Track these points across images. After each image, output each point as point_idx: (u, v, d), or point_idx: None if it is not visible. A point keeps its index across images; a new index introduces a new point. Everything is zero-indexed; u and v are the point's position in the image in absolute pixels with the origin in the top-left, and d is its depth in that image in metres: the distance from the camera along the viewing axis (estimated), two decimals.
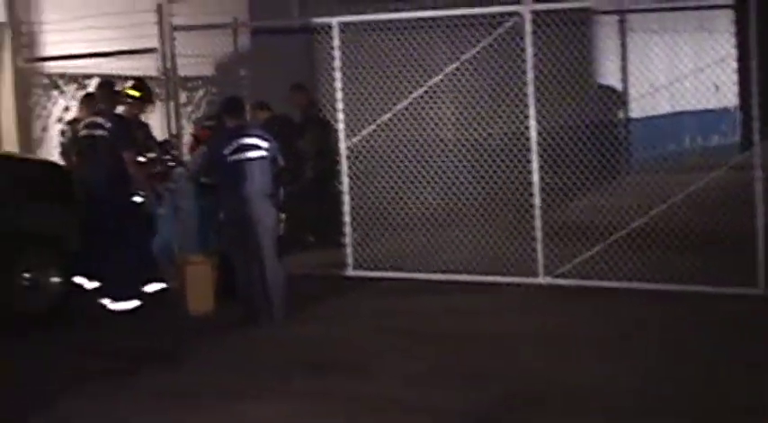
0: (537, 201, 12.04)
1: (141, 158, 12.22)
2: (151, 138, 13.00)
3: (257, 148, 10.93)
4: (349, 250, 13.02)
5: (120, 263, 11.72)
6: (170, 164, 12.83)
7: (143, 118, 12.87)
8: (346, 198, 13.05)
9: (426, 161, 13.01)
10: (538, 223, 12.03)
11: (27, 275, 11.17)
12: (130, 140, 12.01)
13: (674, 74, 17.64)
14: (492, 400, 8.32)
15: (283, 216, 11.10)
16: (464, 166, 13.16)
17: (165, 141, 13.58)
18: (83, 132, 12.28)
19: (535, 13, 11.98)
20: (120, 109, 12.36)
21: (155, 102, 13.23)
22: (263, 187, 10.89)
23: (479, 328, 10.44)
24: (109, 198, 11.79)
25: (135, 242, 11.88)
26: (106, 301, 11.78)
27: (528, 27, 11.92)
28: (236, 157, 10.88)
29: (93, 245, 11.73)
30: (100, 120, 12.15)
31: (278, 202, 11.01)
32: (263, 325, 10.80)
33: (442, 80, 12.91)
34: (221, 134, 11.42)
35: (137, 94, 12.44)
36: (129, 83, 12.57)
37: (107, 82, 12.68)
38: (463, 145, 13.18)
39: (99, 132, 12.06)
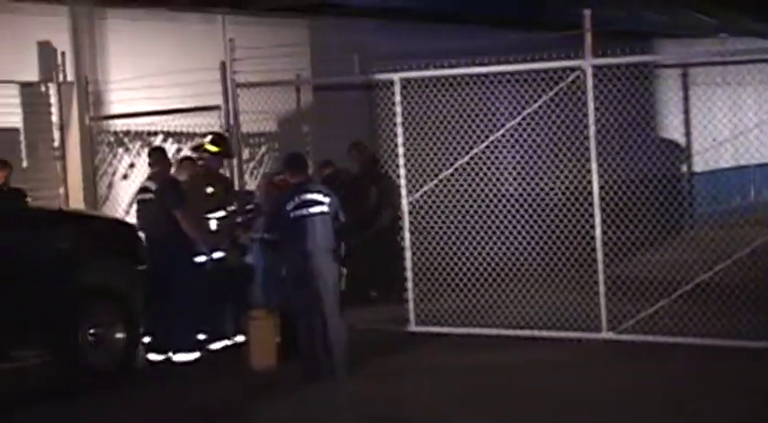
0: (600, 255, 11.98)
1: (218, 214, 12.37)
2: (231, 190, 13.10)
3: (319, 203, 11.00)
4: (411, 306, 13.00)
5: (179, 316, 11.91)
6: (251, 215, 12.89)
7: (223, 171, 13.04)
8: (408, 253, 13.05)
9: (488, 216, 12.98)
10: (601, 278, 11.97)
11: (93, 331, 11.24)
12: (179, 199, 12.11)
13: (737, 127, 17.53)
14: None
15: (344, 271, 11.15)
16: (526, 221, 13.12)
17: (247, 192, 13.66)
18: (138, 196, 12.75)
19: (597, 67, 11.97)
20: (199, 164, 12.59)
21: (234, 155, 13.30)
22: (325, 243, 10.94)
23: (544, 384, 10.38)
24: (165, 257, 11.98)
25: (194, 297, 11.99)
26: (157, 356, 11.96)
27: (589, 81, 11.92)
28: (298, 212, 10.95)
29: (152, 302, 11.96)
30: (149, 183, 12.58)
31: (339, 258, 11.05)
32: (324, 381, 10.80)
33: (503, 135, 12.92)
34: (284, 191, 11.51)
35: (215, 149, 12.54)
36: (208, 137, 12.68)
37: (158, 147, 13.18)
38: (525, 200, 13.14)
39: (147, 196, 12.43)
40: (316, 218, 10.95)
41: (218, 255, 12.26)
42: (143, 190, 12.68)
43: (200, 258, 12.13)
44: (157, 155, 12.80)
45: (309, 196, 11.01)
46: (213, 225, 12.37)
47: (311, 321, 10.96)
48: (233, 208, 12.66)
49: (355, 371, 11.07)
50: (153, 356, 12.10)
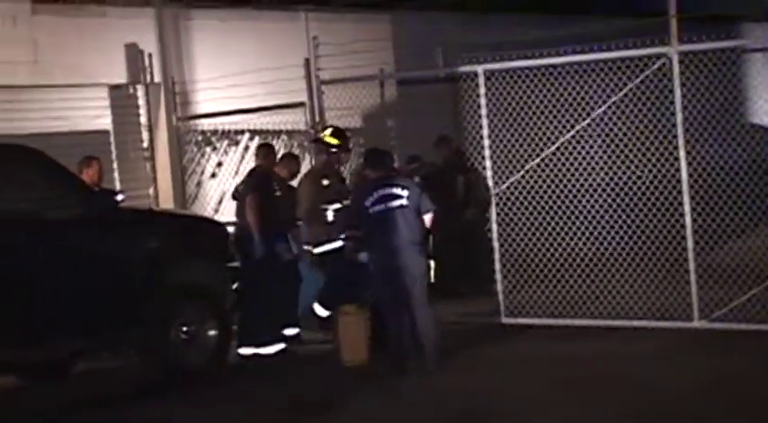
0: (690, 243, 11.84)
1: (334, 206, 12.42)
2: (345, 184, 13.11)
3: (397, 197, 10.96)
4: (501, 297, 12.94)
5: (266, 309, 12.03)
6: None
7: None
8: (496, 245, 12.98)
9: (575, 206, 12.87)
10: (692, 266, 11.82)
11: (185, 329, 11.32)
12: (253, 187, 12.17)
13: None
14: None
15: (433, 264, 11.10)
16: (614, 211, 12.98)
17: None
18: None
19: (683, 53, 11.82)
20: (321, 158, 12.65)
21: (351, 149, 13.27)
22: (408, 236, 10.90)
23: (637, 374, 10.26)
24: (253, 250, 12.07)
25: (278, 290, 12.15)
26: (248, 350, 12.08)
27: (676, 68, 11.77)
28: (377, 208, 10.93)
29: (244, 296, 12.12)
30: (245, 178, 12.63)
31: (426, 250, 11.00)
32: (416, 375, 10.77)
33: (589, 124, 12.79)
34: (363, 186, 11.49)
35: (335, 141, 12.48)
36: (328, 131, 12.61)
37: (267, 143, 13.15)
38: (613, 189, 13.00)
39: (240, 188, 12.51)
40: (396, 212, 10.91)
41: (334, 245, 12.26)
42: (238, 185, 12.73)
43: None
44: (265, 150, 12.78)
45: (388, 191, 10.97)
46: (330, 216, 12.39)
47: (398, 315, 10.95)
48: (348, 201, 12.59)
49: (448, 364, 11.03)
50: (244, 351, 12.19)
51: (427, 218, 11.03)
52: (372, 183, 11.16)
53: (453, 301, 13.63)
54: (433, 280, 11.08)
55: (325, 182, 12.52)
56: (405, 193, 10.98)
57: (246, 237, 12.13)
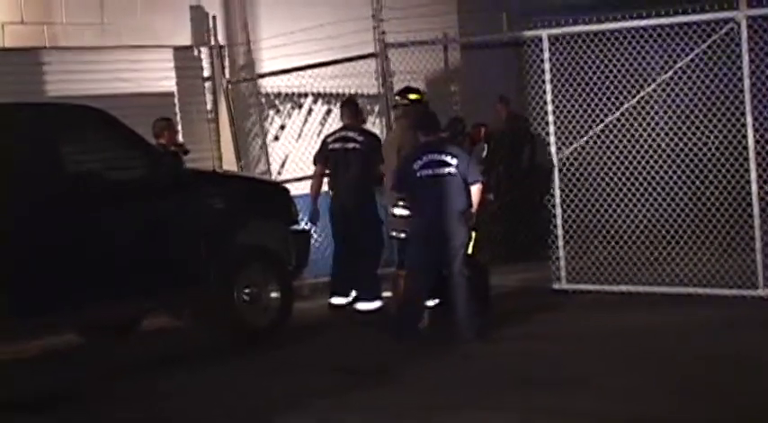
0: (756, 211, 11.64)
1: None
2: None
3: (446, 164, 10.79)
4: (562, 264, 12.81)
5: (368, 268, 12.14)
6: None
7: None
8: (558, 211, 12.85)
9: (639, 172, 12.70)
10: (757, 234, 11.62)
11: (247, 291, 11.32)
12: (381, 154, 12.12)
13: None
14: (718, 416, 8.02)
15: (473, 235, 10.95)
16: (679, 177, 12.81)
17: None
18: (334, 146, 12.44)
19: (751, 18, 11.58)
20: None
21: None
22: (452, 204, 10.75)
23: (699, 344, 10.11)
24: (360, 208, 12.15)
25: (379, 249, 12.29)
26: (339, 300, 12.27)
27: (744, 33, 11.54)
28: (424, 172, 10.78)
29: (342, 255, 12.28)
30: (351, 133, 12.38)
31: (468, 220, 10.84)
32: (471, 342, 10.64)
33: (654, 90, 12.61)
34: (412, 150, 11.30)
35: (416, 96, 12.11)
36: (411, 95, 12.19)
37: (351, 100, 12.94)
38: (678, 155, 12.81)
39: (351, 145, 12.30)
40: (443, 179, 10.75)
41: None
42: (344, 138, 12.39)
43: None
44: (351, 108, 12.60)
45: (437, 157, 10.80)
46: None
47: (424, 282, 10.85)
48: None
49: (507, 331, 10.95)
50: (336, 300, 12.27)
51: (474, 189, 10.86)
52: (422, 147, 10.97)
53: (515, 267, 13.52)
54: (470, 251, 10.92)
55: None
56: (454, 161, 10.80)
57: (353, 187, 12.16)
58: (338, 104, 13.25)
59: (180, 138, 13.48)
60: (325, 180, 12.52)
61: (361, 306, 12.23)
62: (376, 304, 12.16)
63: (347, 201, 12.20)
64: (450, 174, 10.76)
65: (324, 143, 12.61)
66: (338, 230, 12.41)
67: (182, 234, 10.88)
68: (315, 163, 12.65)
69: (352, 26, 14.11)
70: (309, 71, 14.56)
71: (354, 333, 11.66)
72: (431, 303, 11.31)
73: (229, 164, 14.64)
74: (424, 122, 11.19)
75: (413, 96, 12.10)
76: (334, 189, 12.42)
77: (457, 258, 10.78)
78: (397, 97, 12.35)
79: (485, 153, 14.46)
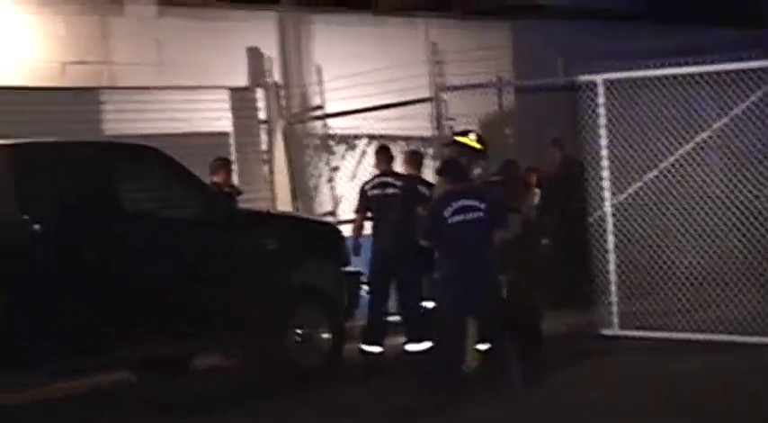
0: None
1: None
2: None
3: (475, 209, 10.73)
4: (614, 309, 12.72)
5: (414, 310, 12.32)
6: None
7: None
8: (611, 256, 12.78)
9: (693, 218, 12.62)
10: None
11: (299, 331, 11.34)
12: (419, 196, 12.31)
13: None
14: None
15: (504, 279, 10.98)
16: (733, 224, 12.71)
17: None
18: (373, 192, 12.70)
19: None
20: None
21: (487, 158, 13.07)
22: (483, 249, 10.70)
23: (753, 392, 9.99)
24: (402, 251, 12.25)
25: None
26: (372, 348, 12.37)
27: None
28: (455, 218, 10.68)
29: (377, 303, 12.48)
30: (389, 179, 12.66)
31: (498, 265, 10.84)
32: (517, 386, 10.55)
33: (710, 136, 12.55)
34: (442, 196, 11.19)
35: (478, 146, 11.86)
36: (472, 135, 12.15)
37: (384, 146, 13.16)
38: (732, 202, 12.73)
39: (390, 191, 12.56)
40: (472, 224, 10.68)
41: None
42: (385, 185, 12.66)
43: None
44: (385, 154, 12.88)
45: (466, 202, 10.75)
46: None
47: (460, 328, 10.70)
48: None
49: (558, 376, 10.89)
50: (367, 348, 12.37)
51: (499, 233, 10.88)
52: (451, 193, 10.93)
53: (566, 311, 13.47)
54: (504, 295, 10.94)
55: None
56: (482, 205, 10.78)
57: (394, 231, 12.43)
58: (391, 146, 13.31)
59: (235, 178, 13.56)
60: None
61: (411, 347, 12.33)
62: (425, 345, 12.17)
63: (389, 244, 12.40)
64: (479, 219, 10.73)
65: (362, 191, 12.86)
66: (377, 276, 12.55)
67: (235, 273, 10.92)
68: (356, 212, 12.91)
69: (407, 69, 14.16)
70: (364, 113, 14.62)
71: (405, 375, 11.53)
72: (482, 347, 11.19)
73: (283, 204, 14.70)
74: (448, 169, 11.21)
75: (459, 139, 12.15)
76: (376, 234, 12.64)
77: (492, 303, 10.74)
78: (460, 138, 12.41)
79: (537, 198, 14.44)
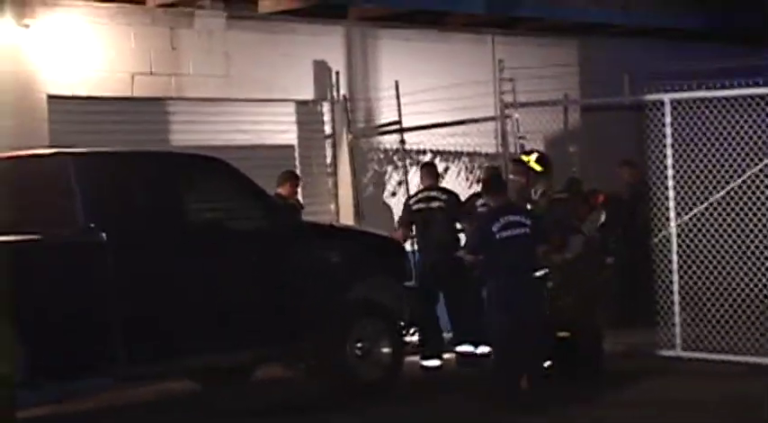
0: None
1: None
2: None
3: (522, 225, 10.82)
4: (677, 330, 12.61)
5: (469, 315, 12.56)
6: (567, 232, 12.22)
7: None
8: (675, 277, 12.67)
9: (760, 241, 12.49)
10: None
11: (360, 345, 11.33)
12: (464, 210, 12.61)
13: None
14: None
15: (547, 295, 11.11)
16: None
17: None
18: (418, 205, 12.96)
19: None
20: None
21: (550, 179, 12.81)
22: (530, 265, 10.80)
23: None
24: (450, 261, 12.46)
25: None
26: (432, 362, 12.59)
27: None
28: (504, 234, 10.76)
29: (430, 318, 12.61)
30: (433, 193, 12.94)
31: (543, 282, 10.98)
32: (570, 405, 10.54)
33: None
34: (489, 211, 11.39)
35: (538, 168, 12.18)
36: (534, 155, 12.37)
37: (430, 162, 13.73)
38: None
39: (435, 204, 12.80)
40: (520, 240, 10.78)
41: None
42: (430, 199, 12.97)
43: None
44: (430, 169, 13.28)
45: (514, 218, 10.86)
46: None
47: (518, 343, 10.70)
48: None
49: (618, 396, 10.83)
50: (428, 363, 12.50)
51: (541, 249, 10.98)
52: (498, 208, 11.06)
53: (628, 331, 13.33)
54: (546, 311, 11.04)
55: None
56: (529, 221, 10.88)
57: (437, 245, 12.81)
58: (456, 162, 13.34)
59: (299, 191, 13.63)
60: None
61: (427, 364, 12.59)
62: (481, 349, 12.37)
63: (437, 256, 12.70)
64: (526, 235, 10.82)
65: (407, 206, 13.17)
66: (426, 289, 12.68)
67: (298, 286, 10.95)
68: (399, 226, 13.24)
69: (473, 86, 14.16)
70: (432, 129, 14.68)
71: (466, 391, 11.57)
72: (546, 364, 11.24)
73: (346, 218, 14.74)
74: (490, 185, 11.38)
75: (525, 158, 12.24)
76: (423, 248, 13.03)
77: (537, 318, 10.78)
78: (524, 157, 12.43)
79: (602, 220, 14.29)
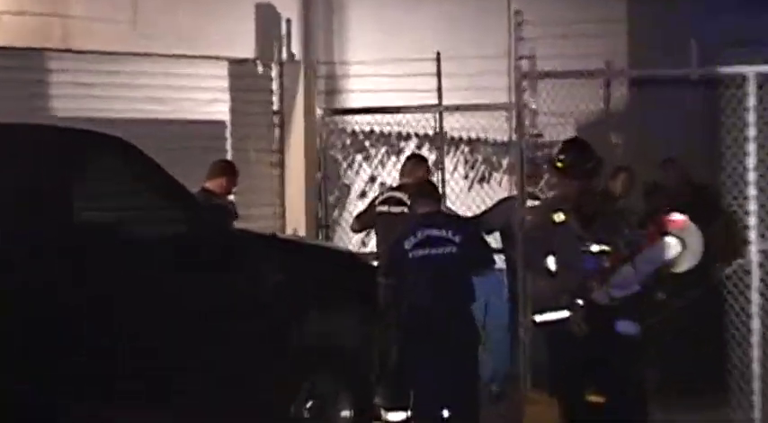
0: None
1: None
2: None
3: (446, 242, 11.22)
4: (756, 399, 12.37)
5: None
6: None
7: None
8: (755, 324, 12.45)
9: None
10: None
11: (309, 406, 11.37)
12: None
13: None
14: None
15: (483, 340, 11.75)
16: None
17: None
18: (386, 208, 13.32)
19: None
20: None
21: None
22: (453, 295, 11.24)
23: None
24: None
25: None
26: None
27: None
28: (418, 252, 11.23)
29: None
30: (399, 194, 13.22)
31: (476, 322, 11.54)
32: None
33: None
34: (405, 224, 11.82)
35: (560, 165, 11.87)
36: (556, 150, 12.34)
37: (416, 155, 14.09)
38: None
39: (399, 209, 13.15)
40: (440, 261, 11.17)
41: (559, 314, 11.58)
42: (393, 200, 13.27)
43: None
44: (413, 165, 13.52)
45: (435, 232, 11.22)
46: (551, 265, 11.80)
47: (432, 386, 11.26)
48: None
49: None
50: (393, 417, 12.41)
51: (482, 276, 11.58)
52: (417, 220, 11.42)
53: (683, 399, 13.21)
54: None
55: (559, 217, 12.08)
56: (457, 237, 11.20)
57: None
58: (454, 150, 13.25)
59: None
60: None
61: (391, 417, 12.48)
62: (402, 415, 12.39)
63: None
64: (451, 254, 11.16)
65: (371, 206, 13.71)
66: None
67: (222, 322, 10.82)
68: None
69: (484, 48, 14.44)
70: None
71: None
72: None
73: (297, 226, 14.69)
74: (420, 191, 11.88)
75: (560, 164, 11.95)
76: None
77: (461, 367, 11.26)
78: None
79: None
